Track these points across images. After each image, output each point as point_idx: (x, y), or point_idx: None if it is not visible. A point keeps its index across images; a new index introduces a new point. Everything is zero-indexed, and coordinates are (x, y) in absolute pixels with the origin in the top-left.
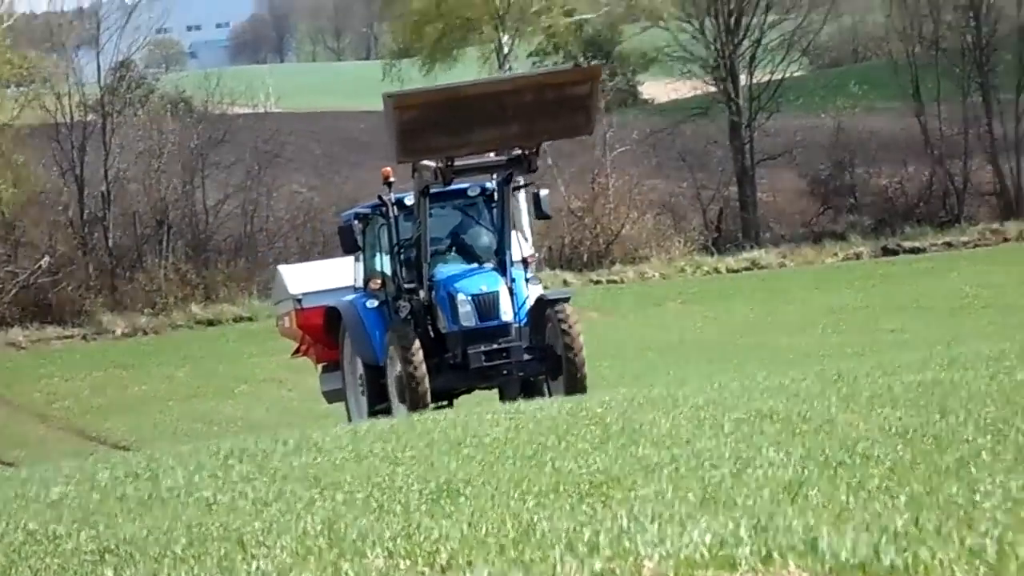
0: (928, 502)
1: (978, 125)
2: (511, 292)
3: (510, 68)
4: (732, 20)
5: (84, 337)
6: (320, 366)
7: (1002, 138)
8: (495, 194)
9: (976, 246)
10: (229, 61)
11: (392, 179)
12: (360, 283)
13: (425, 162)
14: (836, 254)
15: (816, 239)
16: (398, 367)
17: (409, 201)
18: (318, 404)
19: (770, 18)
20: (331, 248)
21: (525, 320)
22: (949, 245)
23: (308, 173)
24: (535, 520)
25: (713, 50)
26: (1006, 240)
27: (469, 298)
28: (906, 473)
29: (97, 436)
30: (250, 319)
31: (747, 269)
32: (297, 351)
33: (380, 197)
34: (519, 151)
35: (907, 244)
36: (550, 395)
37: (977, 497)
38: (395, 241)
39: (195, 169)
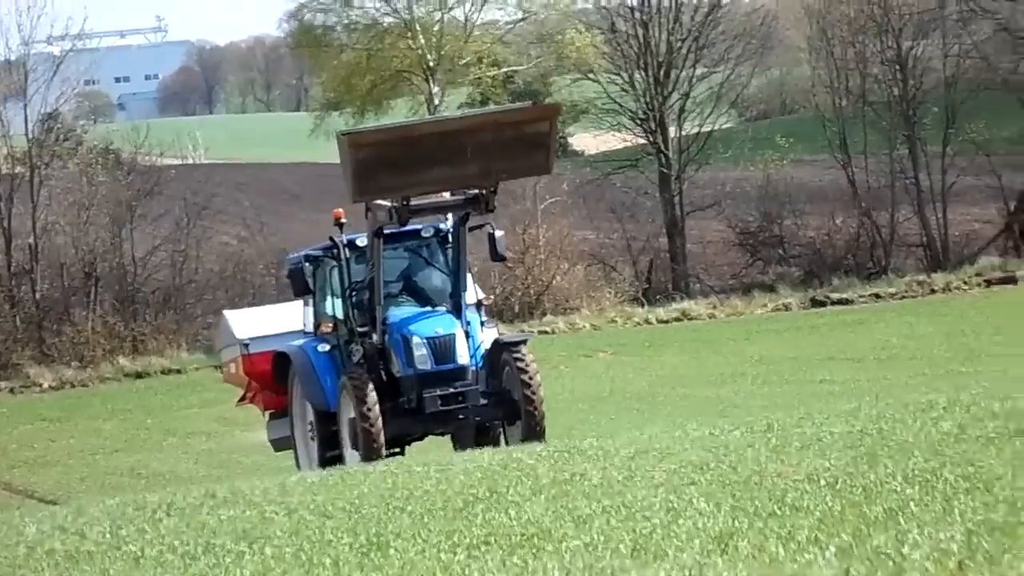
0: (857, 553)
1: (904, 177)
2: (467, 335)
3: None
4: (661, 73)
5: (11, 390)
6: (267, 414)
7: (928, 190)
8: (449, 235)
9: (903, 297)
10: (158, 113)
11: (344, 220)
12: (310, 327)
13: (379, 202)
14: (765, 305)
15: (745, 290)
16: (351, 413)
17: (361, 242)
18: (247, 457)
19: (699, 71)
20: (261, 300)
21: (481, 364)
22: (877, 296)
23: (237, 224)
24: (466, 573)
25: (642, 102)
26: (933, 291)
27: (424, 341)
28: (835, 524)
29: (24, 490)
30: (179, 371)
31: (677, 320)
32: (243, 398)
33: (331, 239)
34: (476, 191)
35: (835, 295)
36: (506, 442)
37: (905, 548)
38: (347, 283)
39: (124, 221)
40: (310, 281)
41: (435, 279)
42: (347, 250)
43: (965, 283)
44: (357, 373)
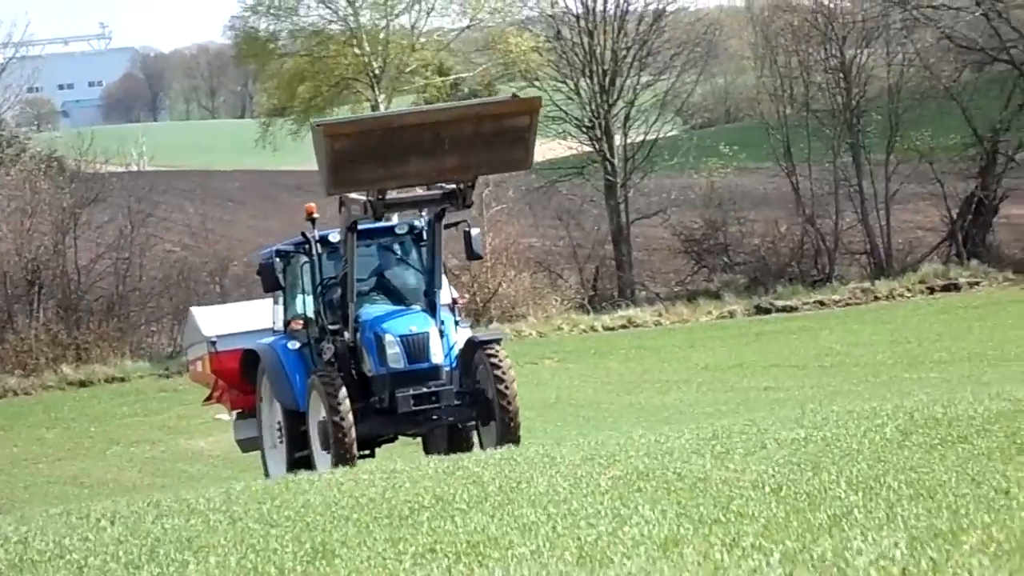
0: (801, 559)
1: (848, 185)
2: (440, 334)
3: None
4: (606, 81)
5: None
6: (234, 413)
7: (872, 198)
8: (424, 232)
9: (847, 304)
10: (102, 120)
11: (316, 215)
12: (279, 324)
13: (353, 196)
14: (710, 312)
15: (691, 297)
16: (321, 413)
17: (334, 238)
18: (191, 465)
19: (644, 79)
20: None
21: (455, 364)
22: (821, 304)
23: (182, 232)
24: None
25: (588, 110)
26: (876, 299)
27: (398, 339)
28: (779, 530)
29: None
30: (122, 380)
31: (623, 327)
32: (209, 397)
33: (303, 234)
34: (454, 185)
35: (780, 303)
36: (481, 444)
37: (849, 554)
38: (319, 280)
39: (67, 228)
40: (280, 277)
41: (409, 277)
42: (319, 246)
43: (908, 290)
44: (328, 372)
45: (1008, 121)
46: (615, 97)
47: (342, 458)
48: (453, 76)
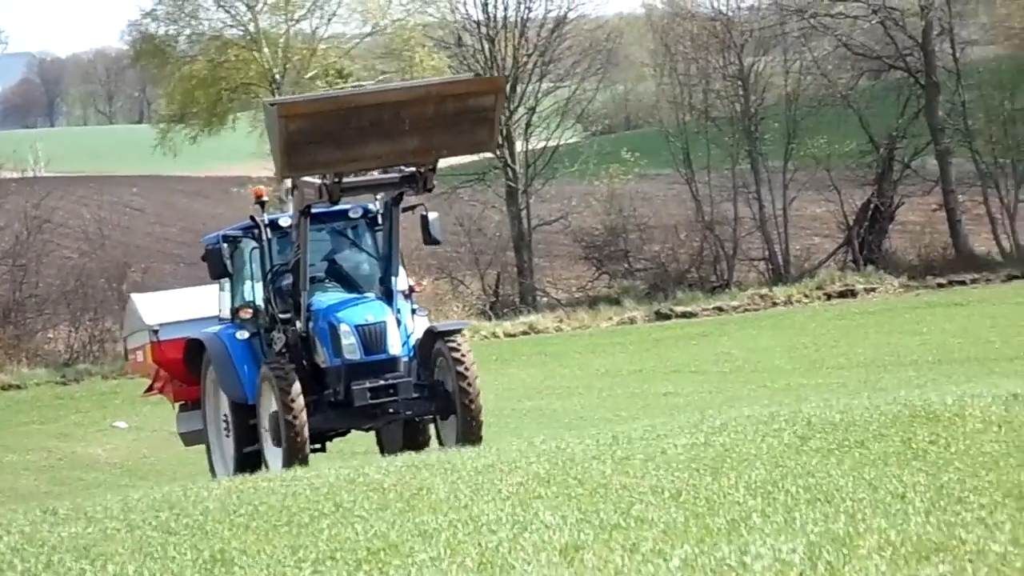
0: (700, 564)
1: (747, 192)
2: (397, 323)
3: None
4: (508, 87)
5: None
6: (177, 406)
7: (770, 205)
8: (379, 216)
9: (746, 310)
10: None
11: (265, 198)
12: (226, 313)
13: (307, 178)
14: (611, 318)
15: (592, 303)
16: (273, 406)
17: (284, 222)
18: (88, 473)
19: (545, 86)
20: (102, 315)
21: (412, 354)
22: (720, 310)
23: (79, 239)
24: None
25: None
26: (774, 304)
27: (353, 329)
28: (679, 535)
29: None
30: (19, 387)
31: (524, 333)
32: (150, 389)
33: (252, 218)
34: (414, 168)
35: (679, 309)
36: (440, 439)
37: (747, 559)
38: (268, 266)
39: None
40: (228, 263)
41: (363, 263)
42: (268, 230)
43: (806, 296)
44: (279, 363)
45: (904, 128)
46: (516, 104)
47: (294, 453)
48: (354, 82)
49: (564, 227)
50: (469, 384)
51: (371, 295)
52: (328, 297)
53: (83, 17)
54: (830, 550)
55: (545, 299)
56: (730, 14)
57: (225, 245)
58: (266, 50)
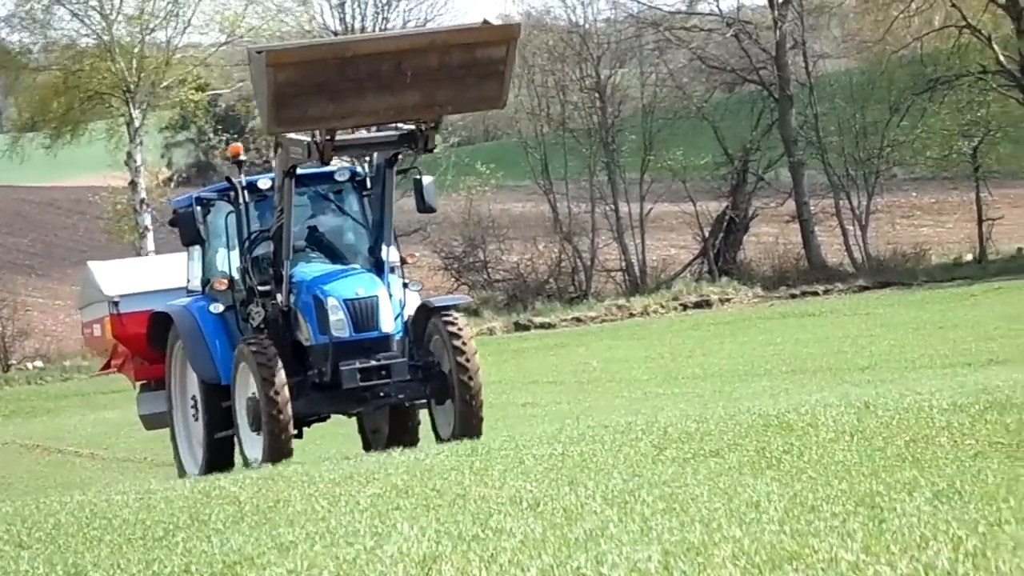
0: (557, 574)
1: (604, 203)
2: (389, 298)
3: (141, 142)
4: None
5: None
6: (138, 385)
7: (627, 216)
8: (368, 179)
9: (603, 321)
10: None
11: (243, 157)
12: (195, 283)
13: (293, 135)
14: (470, 329)
15: None
16: (252, 388)
17: (263, 184)
18: None
19: None
20: None
21: (402, 332)
22: (578, 320)
23: None
24: None
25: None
26: (631, 315)
27: (341, 303)
28: (537, 546)
29: None
30: None
31: None
32: (106, 366)
33: (228, 179)
34: (413, 126)
35: (538, 319)
36: (435, 428)
37: (604, 569)
38: (246, 233)
39: None
40: (202, 229)
41: (349, 231)
42: (246, 193)
43: (662, 307)
44: (259, 340)
45: (758, 141)
46: None
47: (277, 439)
48: (211, 92)
49: (423, 238)
50: (468, 360)
51: (358, 266)
52: (312, 268)
53: None
54: (685, 559)
55: None
56: (587, 26)
57: (198, 208)
58: (120, 60)
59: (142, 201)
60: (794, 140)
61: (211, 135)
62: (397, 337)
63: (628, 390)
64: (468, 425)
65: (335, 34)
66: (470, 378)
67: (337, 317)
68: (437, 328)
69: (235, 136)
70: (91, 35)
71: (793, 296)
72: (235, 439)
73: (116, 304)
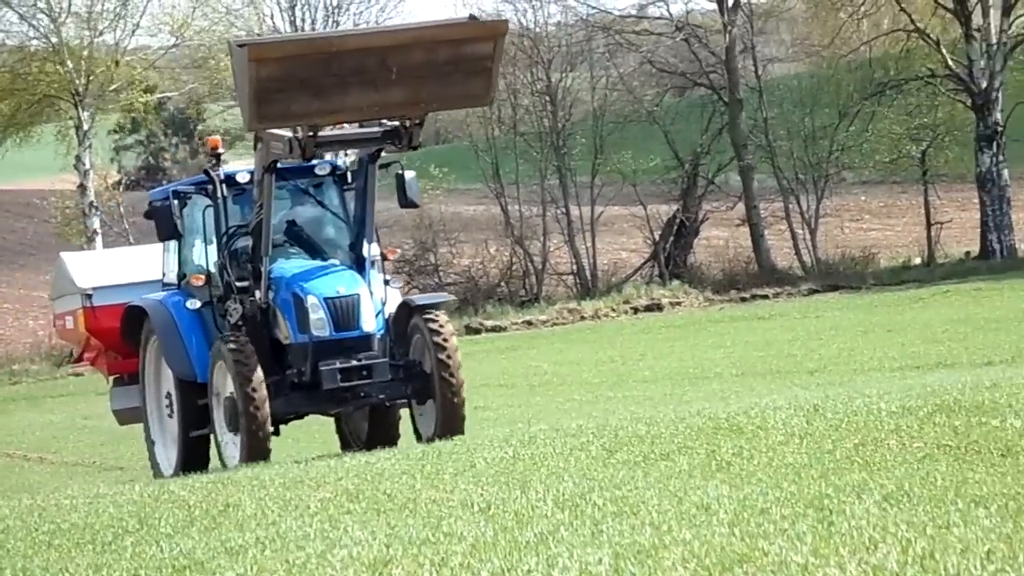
0: None
1: (556, 207)
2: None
3: (90, 145)
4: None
5: None
6: (111, 379)
7: (578, 220)
8: (348, 174)
9: (555, 324)
10: None
11: (221, 151)
12: (171, 277)
13: (274, 130)
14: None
15: None
16: (229, 388)
17: (242, 178)
18: None
19: None
20: None
21: (383, 331)
22: (529, 324)
23: None
24: None
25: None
26: (583, 319)
27: (322, 301)
28: (488, 549)
29: None
30: None
31: None
32: (78, 359)
33: (207, 172)
34: (397, 122)
35: (489, 323)
36: (415, 428)
37: (555, 571)
38: (224, 228)
39: None
40: (179, 223)
41: (328, 226)
42: (224, 187)
43: (613, 310)
44: (237, 338)
45: (708, 144)
46: None
47: (255, 438)
48: (160, 94)
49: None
50: (450, 358)
51: (337, 263)
52: (292, 264)
53: None
54: (635, 561)
55: None
56: (537, 30)
57: (175, 202)
58: (68, 62)
59: (91, 204)
60: (744, 144)
61: (161, 138)
62: (378, 336)
63: (579, 393)
64: (451, 424)
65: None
66: (452, 376)
67: (317, 316)
68: (418, 327)
69: (185, 139)
70: (39, 37)
71: (743, 299)
72: (211, 438)
73: (90, 297)
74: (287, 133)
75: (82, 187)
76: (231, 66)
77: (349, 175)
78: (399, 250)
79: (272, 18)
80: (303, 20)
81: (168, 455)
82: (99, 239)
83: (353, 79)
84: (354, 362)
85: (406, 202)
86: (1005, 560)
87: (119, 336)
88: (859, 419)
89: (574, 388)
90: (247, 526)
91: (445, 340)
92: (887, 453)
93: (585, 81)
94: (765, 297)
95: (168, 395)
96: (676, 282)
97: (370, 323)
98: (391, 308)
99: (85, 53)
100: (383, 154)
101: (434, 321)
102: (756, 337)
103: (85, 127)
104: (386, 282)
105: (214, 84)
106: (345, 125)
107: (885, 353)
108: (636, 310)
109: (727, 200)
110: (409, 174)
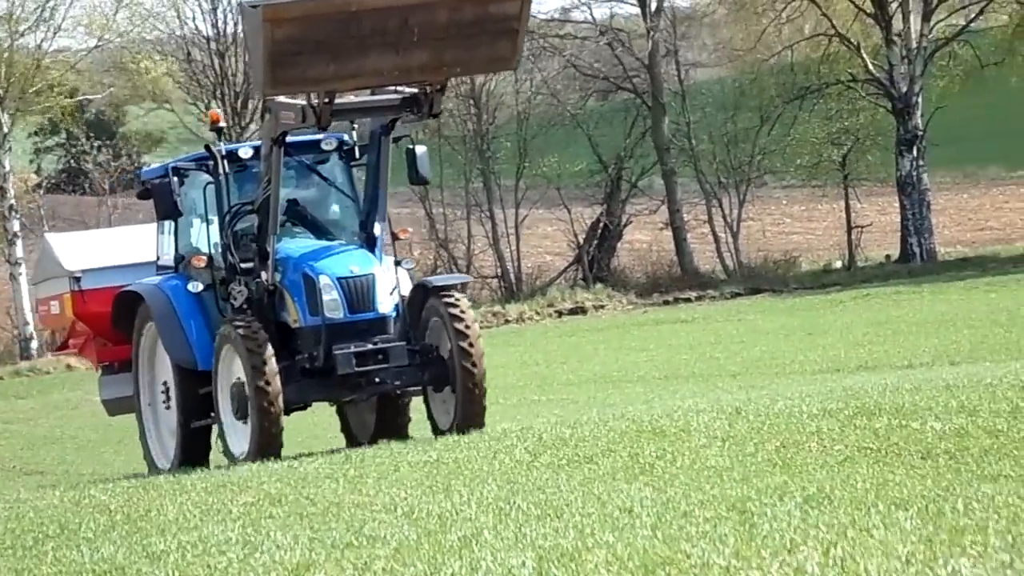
0: None
1: (480, 210)
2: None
3: (10, 148)
4: (239, 103)
5: None
6: (100, 368)
7: (503, 223)
8: (355, 149)
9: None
10: None
11: (222, 124)
12: (166, 259)
13: (283, 99)
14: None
15: None
16: (238, 374)
17: (244, 153)
18: None
19: None
20: None
21: (397, 313)
22: None
23: None
24: None
25: (226, 133)
26: (507, 322)
27: (335, 282)
28: (411, 553)
29: None
30: None
31: None
32: (63, 346)
33: (208, 147)
34: (418, 88)
35: None
36: (431, 418)
37: (478, 575)
38: (226, 206)
39: None
40: (178, 201)
41: (334, 204)
42: (226, 162)
43: (538, 313)
44: (245, 321)
45: (631, 148)
46: (248, 120)
47: (266, 432)
48: (81, 96)
49: None
50: (471, 345)
51: (344, 242)
52: (299, 244)
53: None
54: (558, 564)
55: None
56: None
57: (174, 179)
58: None
59: (11, 207)
60: (667, 148)
61: (82, 140)
62: (393, 318)
63: (503, 396)
64: (470, 414)
65: (207, 40)
66: (473, 364)
67: (330, 297)
68: (436, 310)
69: (107, 141)
70: None
71: (666, 303)
72: (213, 428)
73: (78, 280)
74: (299, 101)
75: (1, 190)
76: (245, 29)
77: (356, 150)
78: (410, 229)
79: (194, 19)
80: (225, 23)
81: (164, 448)
82: (19, 242)
83: (373, 41)
84: (369, 346)
85: (417, 178)
86: (925, 562)
87: (109, 322)
88: (781, 422)
89: (498, 392)
90: (168, 531)
91: (467, 326)
92: (808, 456)
93: (509, 85)
94: (688, 300)
95: (165, 384)
96: (600, 285)
97: (386, 304)
98: (404, 290)
99: (6, 55)
100: (398, 125)
101: (454, 305)
102: (679, 340)
103: (5, 130)
104: (397, 263)
105: (135, 87)
106: (358, 93)
107: (806, 356)
108: (560, 313)
109: (650, 204)
110: (420, 149)
